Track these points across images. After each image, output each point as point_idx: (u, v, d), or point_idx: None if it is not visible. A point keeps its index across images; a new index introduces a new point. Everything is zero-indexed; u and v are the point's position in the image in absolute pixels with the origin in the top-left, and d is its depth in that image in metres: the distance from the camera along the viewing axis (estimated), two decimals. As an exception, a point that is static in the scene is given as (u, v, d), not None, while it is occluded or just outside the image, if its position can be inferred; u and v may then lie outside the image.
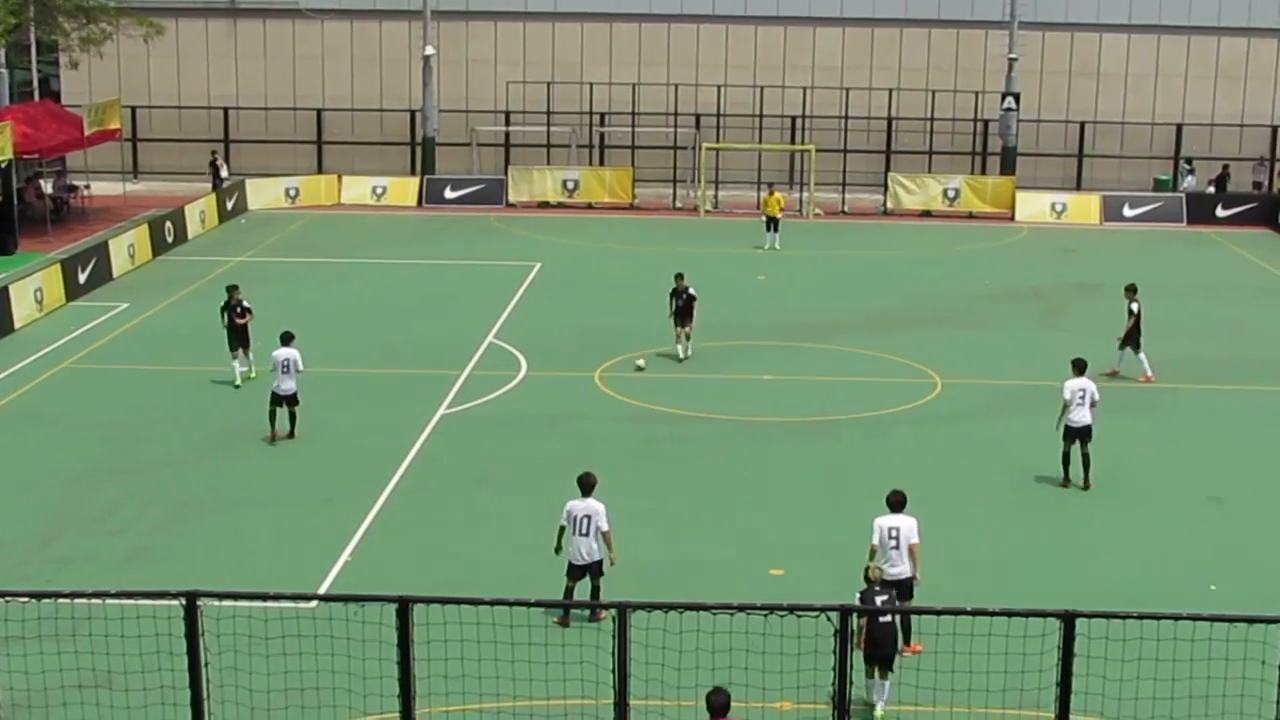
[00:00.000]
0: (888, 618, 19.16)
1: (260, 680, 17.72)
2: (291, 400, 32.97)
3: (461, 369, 39.04)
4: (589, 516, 23.73)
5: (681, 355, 39.60)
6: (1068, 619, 12.61)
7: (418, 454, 32.22)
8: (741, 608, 12.92)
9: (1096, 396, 29.77)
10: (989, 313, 47.16)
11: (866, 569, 20.47)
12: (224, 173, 65.78)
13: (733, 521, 28.57)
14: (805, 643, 14.36)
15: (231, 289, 37.83)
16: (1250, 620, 12.89)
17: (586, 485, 24.17)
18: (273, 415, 32.87)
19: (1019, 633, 22.41)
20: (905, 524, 22.70)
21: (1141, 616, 12.87)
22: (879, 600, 19.22)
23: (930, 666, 21.97)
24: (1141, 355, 38.77)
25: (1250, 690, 15.13)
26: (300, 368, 33.03)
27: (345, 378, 38.14)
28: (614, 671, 12.77)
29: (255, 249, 56.42)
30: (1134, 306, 38.66)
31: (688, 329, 39.58)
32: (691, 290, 39.37)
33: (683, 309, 39.51)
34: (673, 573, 25.58)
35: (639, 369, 38.52)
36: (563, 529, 23.97)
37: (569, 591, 23.18)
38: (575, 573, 23.48)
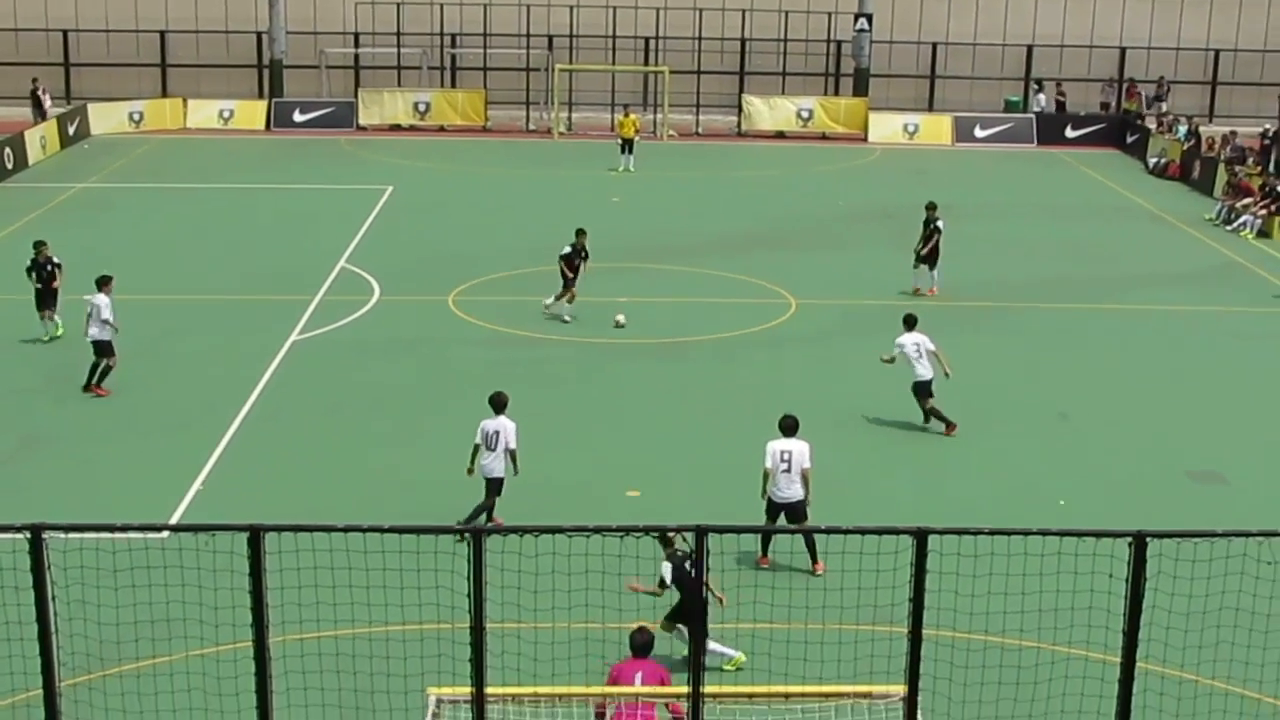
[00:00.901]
0: (697, 584, 19.11)
1: (110, 613, 17.45)
2: (95, 349, 30.70)
3: (313, 295, 38.61)
4: (498, 432, 24.31)
5: (568, 317, 36.59)
6: (919, 536, 12.69)
7: (269, 381, 31.85)
8: (598, 530, 12.87)
9: (931, 347, 29.36)
10: (842, 234, 47.43)
11: (669, 536, 20.03)
12: (46, 103, 63.77)
13: (588, 444, 28.56)
14: (662, 562, 14.38)
15: (39, 245, 34.51)
16: (1098, 534, 13.04)
17: (498, 404, 24.67)
18: (102, 369, 30.79)
19: (872, 550, 22.65)
20: (798, 448, 22.86)
21: (993, 533, 12.98)
22: (686, 566, 19.15)
23: (785, 585, 22.14)
24: (935, 272, 39.23)
25: (1098, 603, 15.34)
26: (104, 316, 30.51)
27: (194, 305, 37.58)
28: (469, 596, 12.68)
29: (98, 175, 55.38)
30: (940, 224, 38.94)
31: (574, 290, 36.65)
32: (587, 247, 37.14)
33: (574, 266, 36.74)
34: (529, 496, 25.52)
35: (619, 325, 35.98)
36: (477, 447, 24.41)
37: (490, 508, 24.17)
38: (488, 485, 24.30)
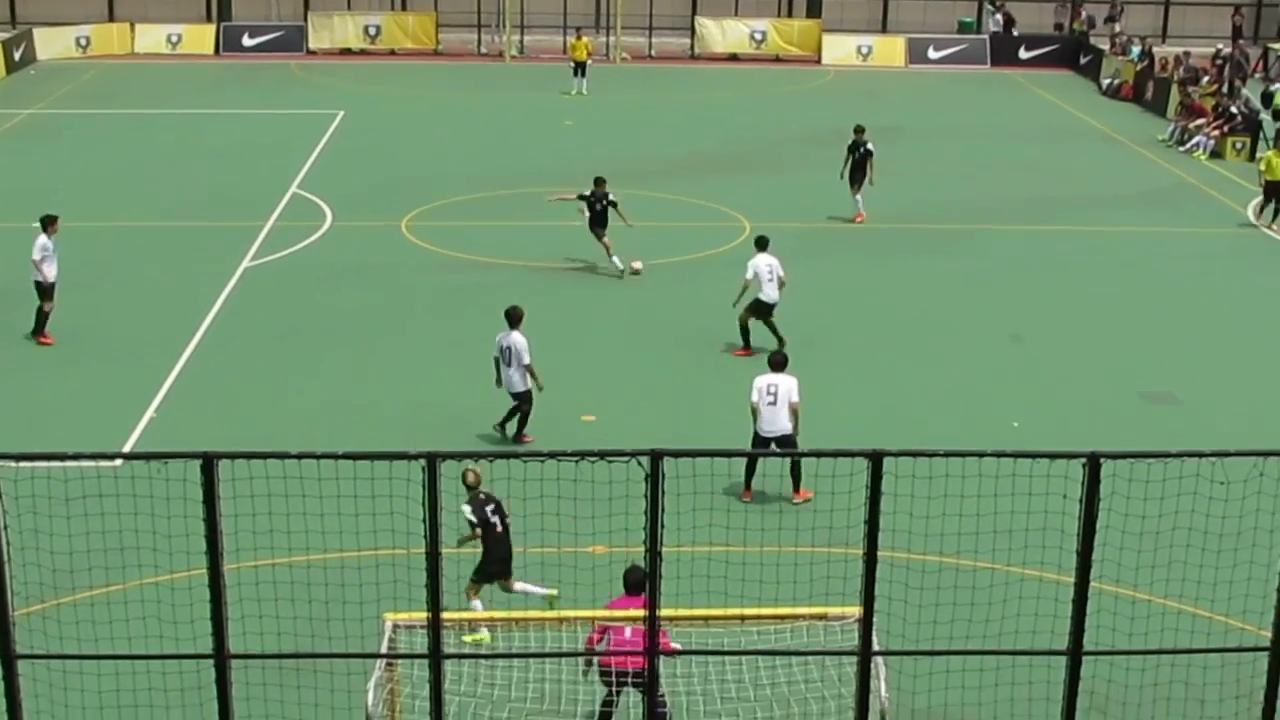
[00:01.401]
0: (500, 529, 19.13)
1: (63, 542, 17.36)
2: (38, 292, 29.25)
3: (264, 221, 38.36)
4: (509, 348, 24.82)
5: (621, 266, 34.28)
6: (875, 458, 12.69)
7: (221, 308, 31.66)
8: (552, 454, 12.83)
9: (781, 273, 29.14)
10: (796, 156, 47.31)
11: (469, 478, 19.55)
12: None
13: (543, 368, 28.44)
14: (617, 488, 14.37)
15: None
16: (1052, 456, 13.07)
17: (513, 318, 25.08)
18: (43, 314, 29.32)
19: (827, 473, 22.69)
20: (785, 383, 22.93)
21: (947, 454, 12.99)
22: (487, 510, 19.18)
23: (740, 508, 22.19)
24: (858, 197, 38.97)
25: (1052, 524, 15.41)
26: (33, 256, 28.95)
27: (144, 231, 37.30)
28: (425, 522, 12.65)
29: (45, 101, 54.77)
30: (869, 146, 38.70)
31: (607, 239, 34.46)
32: (611, 196, 34.31)
33: (599, 215, 34.33)
34: (484, 421, 25.48)
35: (636, 272, 34.36)
36: (496, 360, 25.00)
37: (510, 412, 25.17)
38: (513, 398, 25.03)
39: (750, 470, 23.20)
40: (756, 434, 22.80)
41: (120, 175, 43.19)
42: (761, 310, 29.15)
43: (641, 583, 16.30)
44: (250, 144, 47.85)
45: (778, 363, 23.38)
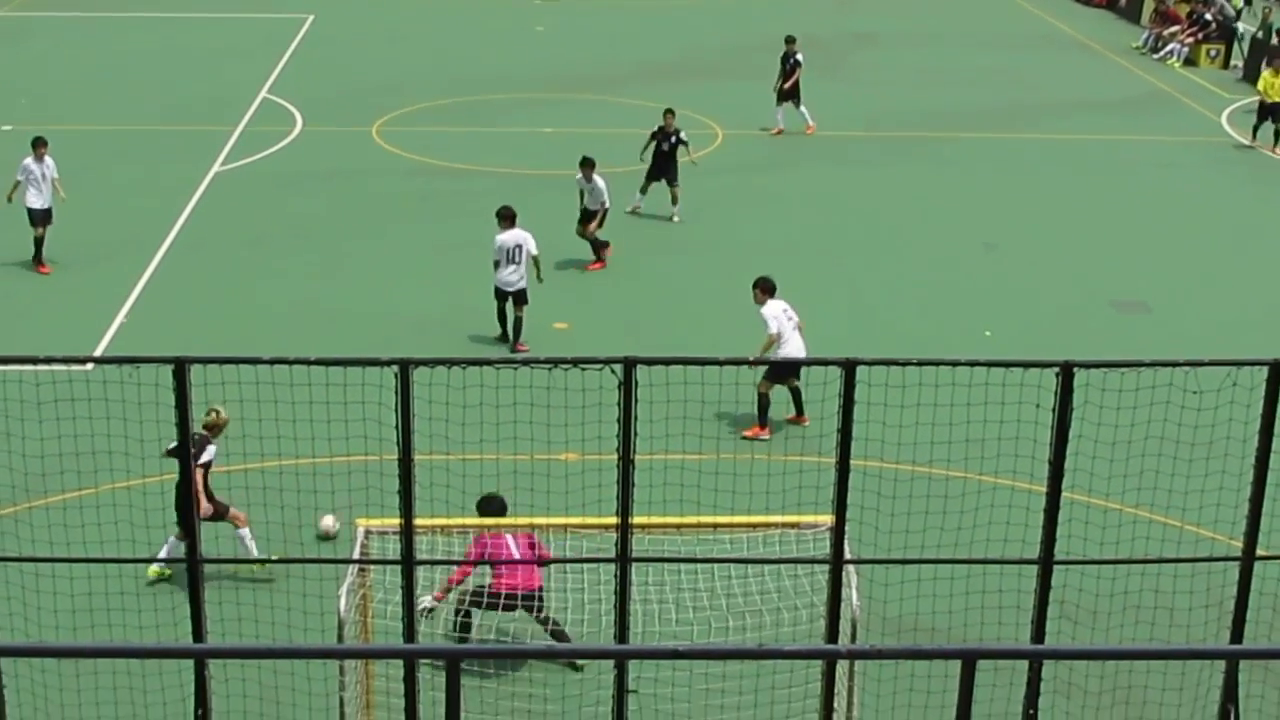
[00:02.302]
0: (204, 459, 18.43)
1: (34, 445, 17.34)
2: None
3: (234, 125, 38.07)
4: (519, 245, 25.02)
5: (676, 218, 31.71)
6: (848, 366, 12.68)
7: (192, 213, 31.48)
8: (526, 362, 12.81)
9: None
10: (768, 64, 46.95)
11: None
12: None
13: (515, 276, 28.44)
14: (590, 395, 14.34)
15: None
16: (1025, 365, 13.08)
17: (509, 217, 25.24)
18: (37, 241, 28.37)
19: (800, 382, 22.73)
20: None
21: (920, 363, 12.98)
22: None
23: (713, 415, 22.20)
24: (803, 108, 38.67)
25: (1025, 433, 15.46)
26: (19, 176, 28.05)
27: (114, 135, 37.00)
28: (398, 428, 12.62)
29: (12, 4, 54.16)
30: (798, 57, 38.43)
31: (676, 187, 31.55)
32: (682, 134, 31.55)
33: (666, 156, 31.52)
34: (456, 328, 25.44)
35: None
36: (496, 263, 25.06)
37: (500, 311, 25.28)
38: (502, 295, 25.23)
39: (798, 397, 22.85)
40: (789, 359, 21.43)
41: (89, 79, 42.78)
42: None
43: (504, 508, 16.56)
44: (220, 48, 47.40)
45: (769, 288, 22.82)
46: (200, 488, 17.64)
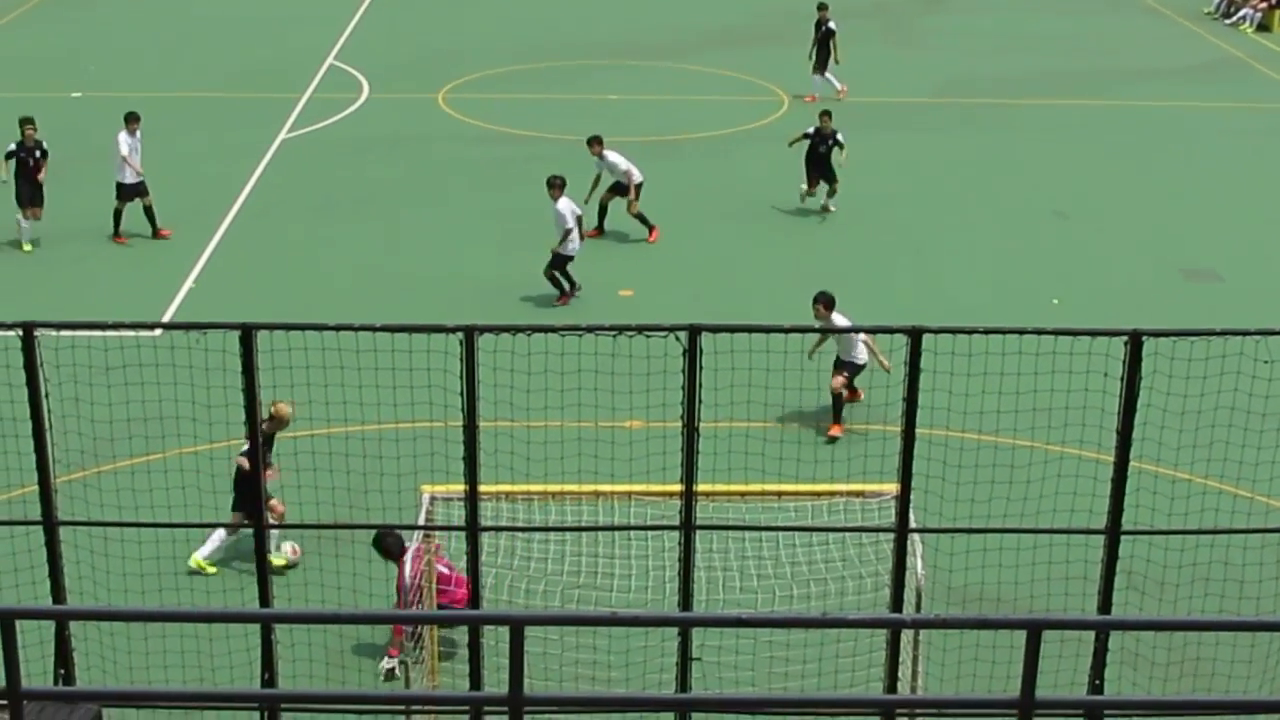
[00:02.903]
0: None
1: (103, 410, 17.44)
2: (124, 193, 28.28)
3: (301, 92, 38.18)
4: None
5: (832, 206, 30.40)
6: (914, 335, 12.60)
7: (259, 180, 31.61)
8: (590, 329, 12.79)
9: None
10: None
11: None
12: None
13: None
14: (654, 363, 14.32)
15: (25, 123, 27.92)
16: (1093, 334, 12.97)
17: (561, 185, 25.79)
18: (117, 214, 28.40)
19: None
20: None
21: (987, 331, 12.88)
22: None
23: (778, 384, 22.12)
24: (829, 75, 38.33)
25: (1093, 402, 15.38)
26: (122, 153, 27.91)
27: (181, 103, 37.15)
28: (462, 395, 12.63)
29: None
30: (830, 25, 38.12)
31: (836, 184, 30.18)
32: (839, 135, 30.04)
33: (823, 159, 30.19)
34: (520, 295, 25.46)
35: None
36: (568, 231, 25.61)
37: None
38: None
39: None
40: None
41: (155, 47, 42.96)
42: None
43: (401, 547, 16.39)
44: (286, 15, 47.49)
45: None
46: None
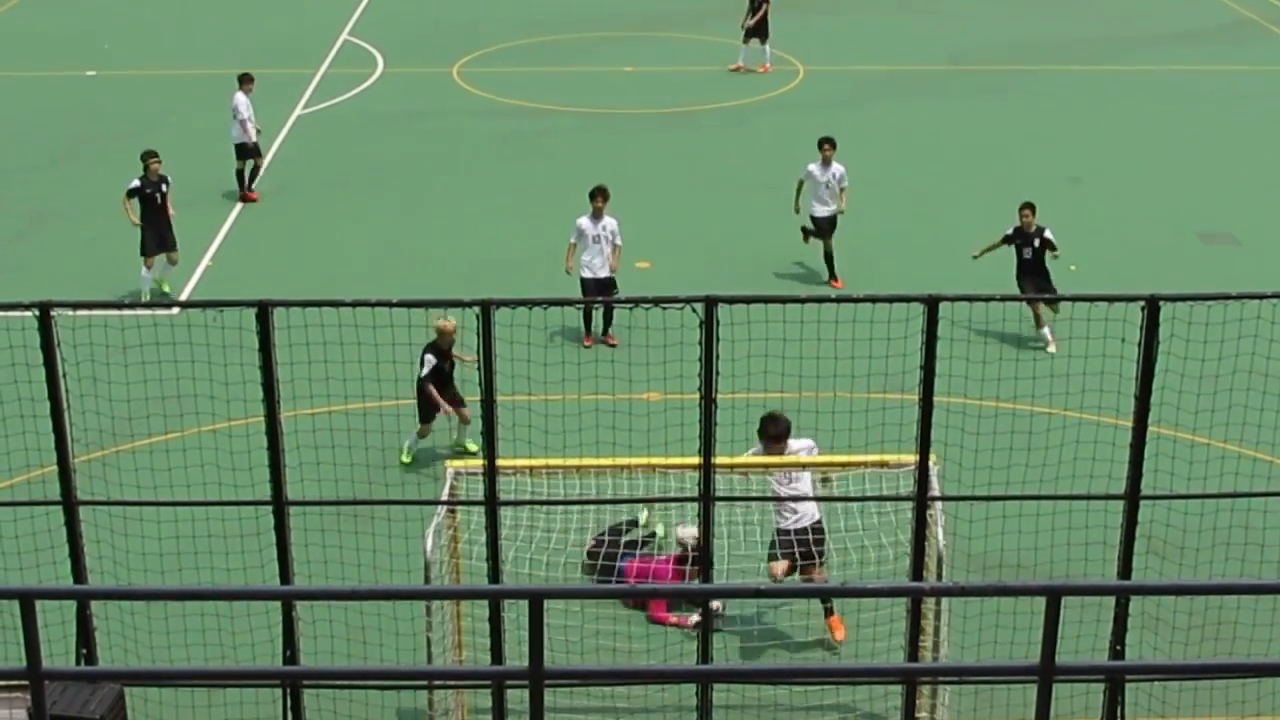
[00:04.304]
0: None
1: (121, 389, 17.48)
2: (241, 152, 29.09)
3: (316, 68, 38.15)
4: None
5: (1054, 350, 20.48)
6: (931, 303, 12.59)
7: (275, 156, 31.59)
8: (607, 301, 12.79)
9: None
10: (849, -2, 46.63)
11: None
12: None
13: (596, 215, 28.40)
14: (671, 334, 14.31)
15: (149, 157, 25.07)
16: (1110, 299, 12.94)
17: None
18: (239, 174, 29.31)
19: (883, 319, 22.58)
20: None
21: (1004, 299, 12.89)
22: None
23: (795, 354, 22.12)
24: (766, 46, 38.06)
25: (1111, 367, 15.32)
26: (241, 115, 28.64)
27: (197, 79, 37.14)
28: (479, 369, 12.65)
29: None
30: None
31: (1055, 309, 21.23)
32: (1047, 232, 23.06)
33: (1029, 263, 22.93)
34: (536, 268, 25.44)
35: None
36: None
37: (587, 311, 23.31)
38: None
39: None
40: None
41: (169, 22, 42.91)
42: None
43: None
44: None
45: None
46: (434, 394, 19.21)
